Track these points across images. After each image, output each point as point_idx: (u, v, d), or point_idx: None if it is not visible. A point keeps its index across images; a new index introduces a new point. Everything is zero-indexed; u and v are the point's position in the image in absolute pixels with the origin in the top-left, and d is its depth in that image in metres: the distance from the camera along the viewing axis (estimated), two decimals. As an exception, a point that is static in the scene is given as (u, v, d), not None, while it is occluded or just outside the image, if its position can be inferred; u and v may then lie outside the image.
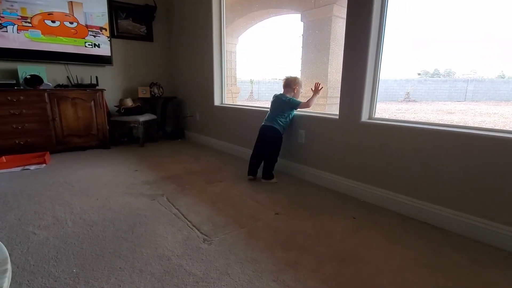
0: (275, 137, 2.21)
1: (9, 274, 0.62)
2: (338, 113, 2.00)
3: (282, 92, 2.31)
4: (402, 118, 1.78)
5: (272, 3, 3.54)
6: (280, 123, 2.22)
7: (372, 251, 1.32)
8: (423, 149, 1.58)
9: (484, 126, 1.46)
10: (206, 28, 3.28)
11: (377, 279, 1.13)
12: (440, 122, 1.64)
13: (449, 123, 1.58)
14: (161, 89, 4.04)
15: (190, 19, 3.62)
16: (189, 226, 1.53)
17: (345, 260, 1.24)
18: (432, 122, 1.64)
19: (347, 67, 1.89)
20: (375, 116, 1.88)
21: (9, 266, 0.65)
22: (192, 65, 3.75)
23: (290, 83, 2.29)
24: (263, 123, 2.28)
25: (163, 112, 4.14)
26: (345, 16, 1.87)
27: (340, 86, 1.96)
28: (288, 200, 1.90)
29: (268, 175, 2.24)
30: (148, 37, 3.99)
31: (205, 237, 1.42)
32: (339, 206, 1.82)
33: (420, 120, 1.68)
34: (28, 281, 1.10)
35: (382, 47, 1.77)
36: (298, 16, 3.26)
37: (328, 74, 3.05)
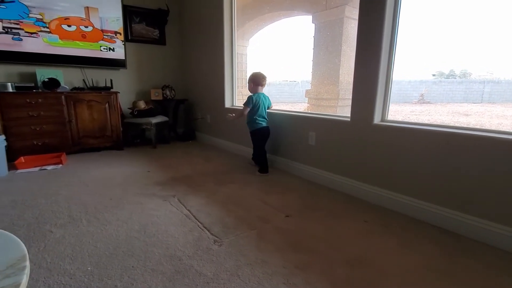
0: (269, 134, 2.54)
1: (27, 271, 0.64)
2: (349, 115, 1.98)
3: (261, 92, 2.50)
4: (416, 120, 1.74)
5: (284, 5, 3.55)
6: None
7: (383, 255, 1.30)
8: (437, 153, 1.54)
9: (501, 129, 1.41)
10: (217, 31, 3.31)
11: (388, 284, 1.10)
12: (456, 124, 1.60)
13: (465, 126, 1.54)
14: (173, 91, 4.11)
15: (202, 23, 3.67)
16: (199, 227, 1.54)
17: (355, 264, 1.23)
18: (447, 124, 1.60)
19: (359, 69, 1.87)
20: (388, 118, 1.85)
21: (27, 263, 0.67)
22: (204, 68, 3.79)
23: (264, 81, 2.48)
24: (263, 124, 2.46)
25: (175, 114, 4.20)
26: (357, 17, 1.85)
27: (351, 87, 1.94)
28: (299, 202, 1.89)
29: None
30: (161, 40, 4.07)
31: (216, 238, 1.43)
32: (350, 209, 1.79)
33: (434, 123, 1.65)
34: (44, 278, 1.13)
35: (395, 48, 1.74)
36: (309, 17, 3.26)
37: (340, 76, 3.03)
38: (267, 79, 2.48)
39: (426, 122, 1.68)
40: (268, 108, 2.56)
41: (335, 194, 2.04)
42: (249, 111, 2.44)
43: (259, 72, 2.47)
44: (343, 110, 2.97)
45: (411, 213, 1.68)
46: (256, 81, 2.45)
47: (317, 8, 3.14)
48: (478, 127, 1.49)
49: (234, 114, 2.58)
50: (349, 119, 1.98)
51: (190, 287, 1.08)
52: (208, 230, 1.51)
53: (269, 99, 2.55)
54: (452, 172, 1.50)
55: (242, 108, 2.52)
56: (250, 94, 2.50)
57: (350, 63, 2.89)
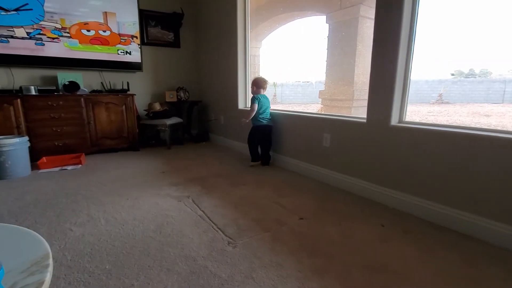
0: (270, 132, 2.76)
1: (50, 269, 0.66)
2: (365, 116, 1.94)
3: (263, 94, 2.73)
4: (434, 121, 1.69)
5: (297, 6, 3.53)
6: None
7: (402, 261, 1.26)
8: (458, 155, 1.49)
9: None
10: (231, 33, 3.34)
11: (408, 291, 1.07)
12: (476, 125, 1.53)
13: (486, 127, 1.48)
14: (187, 93, 4.16)
15: (215, 25, 3.71)
16: (214, 228, 1.55)
17: (373, 269, 1.20)
18: (467, 126, 1.54)
19: (375, 68, 1.83)
20: (406, 120, 1.80)
21: (50, 261, 0.69)
22: (217, 70, 3.82)
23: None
24: (264, 122, 2.67)
25: (189, 115, 4.26)
26: (372, 16, 1.82)
27: (367, 88, 1.91)
28: (313, 204, 1.87)
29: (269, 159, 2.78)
30: (175, 43, 4.14)
31: (230, 239, 1.43)
32: (367, 212, 1.75)
33: (454, 124, 1.59)
34: (65, 275, 1.17)
35: (414, 46, 1.70)
36: (323, 18, 3.23)
37: (355, 76, 2.98)
38: (268, 82, 2.76)
39: (445, 123, 1.63)
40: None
41: (350, 196, 2.01)
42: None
43: (261, 77, 2.76)
44: (357, 111, 2.92)
45: (431, 217, 1.62)
46: (258, 84, 2.72)
47: (331, 8, 3.10)
48: (499, 128, 1.43)
49: (245, 119, 2.73)
50: (365, 120, 1.94)
51: (205, 288, 1.09)
52: (222, 232, 1.51)
53: (268, 100, 2.77)
54: (474, 175, 1.44)
55: (250, 109, 2.71)
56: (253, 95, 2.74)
57: (365, 63, 2.84)
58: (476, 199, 1.44)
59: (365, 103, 1.95)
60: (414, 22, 1.67)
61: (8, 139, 2.41)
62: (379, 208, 1.82)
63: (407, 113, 1.83)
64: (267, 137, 2.73)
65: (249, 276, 1.15)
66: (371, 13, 1.84)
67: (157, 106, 3.73)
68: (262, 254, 1.30)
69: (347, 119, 2.12)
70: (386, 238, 1.45)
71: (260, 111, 2.66)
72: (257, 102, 2.64)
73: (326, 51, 3.21)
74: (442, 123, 1.65)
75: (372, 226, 1.57)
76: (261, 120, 2.68)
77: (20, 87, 2.94)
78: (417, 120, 1.76)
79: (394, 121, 1.78)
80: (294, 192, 2.10)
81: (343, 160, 2.14)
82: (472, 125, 1.52)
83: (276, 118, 2.80)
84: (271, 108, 2.77)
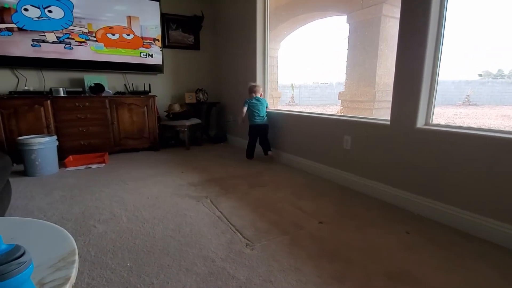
0: (268, 128, 3.06)
1: (76, 265, 0.68)
2: (389, 118, 1.88)
3: (257, 96, 3.06)
4: (461, 124, 1.60)
5: (318, 6, 3.48)
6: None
7: (427, 270, 1.20)
8: (489, 160, 1.40)
9: None
10: (250, 35, 3.35)
11: (435, 303, 1.02)
12: (506, 129, 1.44)
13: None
14: (206, 94, 4.22)
15: (235, 28, 3.73)
16: (232, 230, 1.55)
17: (396, 278, 1.15)
18: (499, 129, 1.45)
19: (400, 68, 1.76)
20: (433, 122, 1.72)
21: (76, 257, 0.71)
22: (236, 71, 3.85)
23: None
24: (257, 122, 2.98)
25: (207, 116, 4.30)
26: (396, 15, 1.76)
27: (389, 89, 1.84)
28: (332, 208, 1.83)
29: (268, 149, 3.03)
30: (195, 46, 4.21)
31: (248, 241, 1.43)
32: (389, 218, 1.69)
33: (482, 127, 1.50)
34: (89, 270, 1.20)
35: (442, 45, 1.62)
36: (343, 18, 3.16)
37: (376, 77, 2.89)
38: (260, 87, 3.16)
39: (473, 125, 1.54)
40: (266, 107, 3.12)
41: (372, 201, 1.95)
42: (246, 111, 3.03)
43: (253, 84, 3.14)
44: (379, 112, 2.83)
45: (460, 225, 1.54)
46: (250, 90, 3.11)
47: (352, 8, 3.03)
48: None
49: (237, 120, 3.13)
50: (388, 123, 1.88)
51: (223, 289, 1.08)
52: (240, 233, 1.51)
53: (265, 101, 3.11)
54: (505, 181, 1.35)
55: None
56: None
57: (387, 63, 2.75)
58: (508, 206, 1.35)
59: (388, 104, 1.88)
60: (442, 19, 1.59)
61: (38, 138, 2.54)
62: (402, 214, 1.75)
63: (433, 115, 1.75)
64: (263, 135, 3.02)
65: (267, 280, 1.13)
66: (395, 12, 1.79)
67: (177, 107, 3.80)
68: (280, 257, 1.29)
69: (369, 121, 2.06)
70: (410, 246, 1.39)
71: (253, 112, 2.99)
72: (246, 105, 3.03)
73: (346, 51, 3.15)
74: (470, 125, 1.56)
75: (395, 233, 1.51)
76: (254, 120, 3.00)
77: (50, 89, 3.09)
78: (442, 122, 1.68)
79: (420, 123, 1.71)
80: (312, 194, 2.06)
81: (364, 163, 2.08)
82: (501, 129, 1.43)
83: (294, 119, 2.78)
84: (284, 109, 2.83)
